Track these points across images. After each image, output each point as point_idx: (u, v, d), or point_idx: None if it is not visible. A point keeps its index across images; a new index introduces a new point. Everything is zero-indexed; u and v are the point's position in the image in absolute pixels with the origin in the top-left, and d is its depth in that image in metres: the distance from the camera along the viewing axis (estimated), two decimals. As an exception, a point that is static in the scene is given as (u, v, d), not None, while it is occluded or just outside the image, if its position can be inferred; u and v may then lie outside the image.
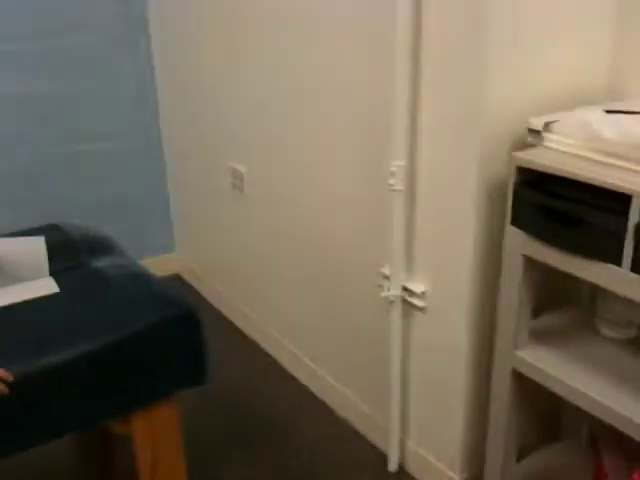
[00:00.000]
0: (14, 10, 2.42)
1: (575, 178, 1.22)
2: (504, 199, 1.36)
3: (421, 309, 1.62)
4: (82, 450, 1.75)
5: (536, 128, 1.35)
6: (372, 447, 1.90)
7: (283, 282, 2.22)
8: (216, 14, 2.25)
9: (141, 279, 1.37)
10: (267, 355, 2.36)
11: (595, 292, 1.45)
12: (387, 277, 1.66)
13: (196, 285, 2.81)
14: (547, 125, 1.33)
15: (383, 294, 1.67)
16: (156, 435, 1.29)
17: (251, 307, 2.46)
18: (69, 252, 1.49)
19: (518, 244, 1.35)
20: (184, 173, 2.78)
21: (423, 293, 1.60)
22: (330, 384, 2.06)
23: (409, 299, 1.63)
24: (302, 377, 2.20)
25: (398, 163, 1.55)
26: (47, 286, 1.32)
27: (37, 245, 1.46)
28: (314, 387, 2.14)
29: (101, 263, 1.45)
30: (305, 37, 1.83)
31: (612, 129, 1.23)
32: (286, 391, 2.17)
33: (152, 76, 2.75)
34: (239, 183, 2.33)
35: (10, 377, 1.09)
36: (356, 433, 1.95)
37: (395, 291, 1.64)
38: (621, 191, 1.14)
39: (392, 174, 1.56)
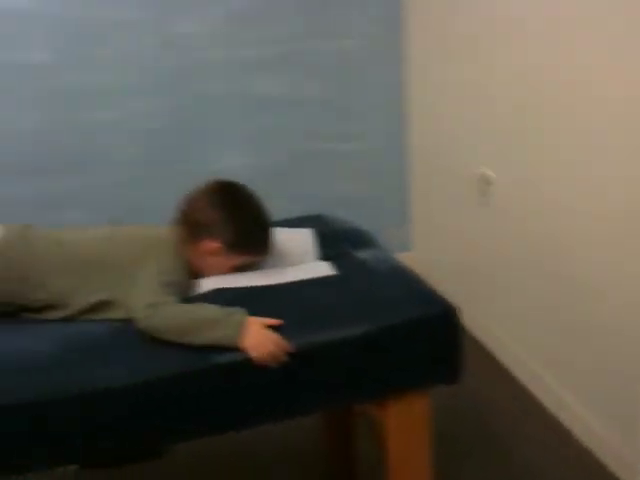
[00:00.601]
0: (275, 17, 2.64)
1: None
2: None
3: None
4: (328, 429, 1.85)
5: None
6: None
7: (528, 295, 2.16)
8: (473, 20, 2.26)
9: (404, 274, 1.42)
10: (501, 365, 2.33)
11: None
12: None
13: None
14: None
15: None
16: (408, 424, 1.33)
17: (489, 317, 2.43)
18: (334, 241, 1.59)
19: None
20: (428, 175, 2.82)
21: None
22: (573, 407, 1.97)
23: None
24: (540, 395, 2.13)
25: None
26: (323, 269, 1.42)
27: (306, 234, 1.59)
28: (553, 407, 2.06)
29: (364, 255, 1.53)
30: (569, 34, 1.77)
31: None
32: (522, 407, 2.11)
33: (404, 80, 2.83)
34: (486, 188, 2.31)
35: (290, 348, 1.20)
36: (597, 462, 1.84)
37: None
38: None
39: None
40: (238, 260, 1.41)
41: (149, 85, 2.60)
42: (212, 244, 1.39)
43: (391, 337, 1.25)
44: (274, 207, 1.52)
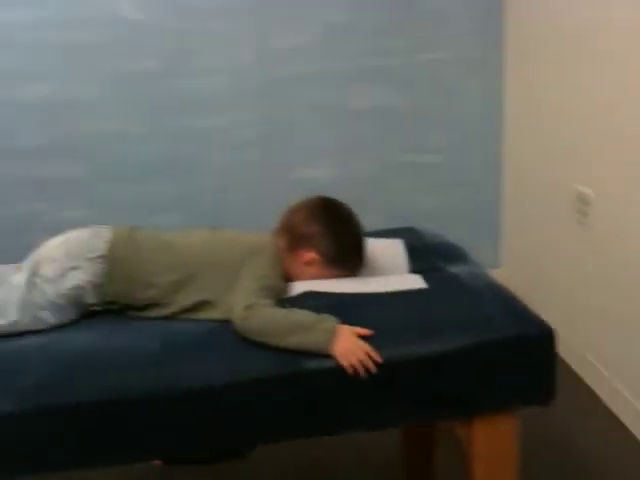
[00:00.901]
0: (371, 31, 2.66)
1: None
2: None
3: None
4: (410, 443, 1.84)
5: None
6: None
7: (623, 319, 2.07)
8: (572, 36, 2.20)
9: (499, 291, 1.39)
10: (588, 388, 2.26)
11: None
12: None
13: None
14: None
15: None
16: (495, 445, 1.30)
17: (579, 339, 2.35)
18: (426, 255, 1.58)
19: None
20: (521, 190, 2.77)
21: None
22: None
23: None
24: (628, 422, 2.04)
25: None
26: (415, 281, 1.42)
27: (397, 245, 1.59)
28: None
29: (457, 269, 1.51)
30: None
31: None
32: (611, 435, 2.03)
33: (499, 94, 2.79)
34: (584, 208, 2.24)
35: (378, 359, 1.20)
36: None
37: None
38: None
39: None
40: (332, 273, 1.45)
41: (246, 94, 2.68)
42: (310, 255, 1.44)
43: (484, 355, 1.23)
44: (364, 218, 1.54)
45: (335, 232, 1.44)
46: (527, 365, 1.26)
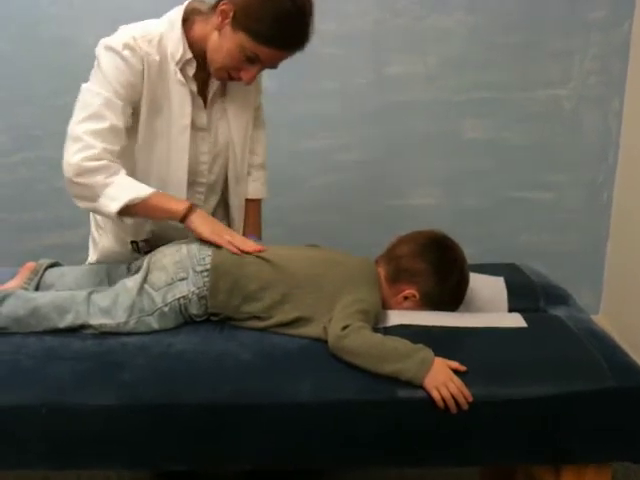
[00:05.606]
0: (490, 64, 2.63)
1: None
2: None
3: None
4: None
5: None
6: None
7: None
8: None
9: (600, 339, 1.35)
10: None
11: None
12: None
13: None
14: None
15: None
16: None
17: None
18: (527, 294, 1.55)
19: None
20: (628, 235, 2.66)
21: None
22: None
23: None
24: None
25: None
26: (515, 320, 1.39)
27: (498, 282, 1.56)
28: None
29: (558, 312, 1.48)
30: None
31: None
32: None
33: (617, 136, 2.70)
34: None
35: (469, 397, 1.19)
36: None
37: None
38: None
39: None
40: (427, 310, 1.44)
41: (356, 118, 2.69)
42: (410, 291, 1.43)
43: (579, 404, 1.20)
44: (466, 250, 1.52)
45: (440, 275, 1.42)
46: (625, 419, 1.22)
